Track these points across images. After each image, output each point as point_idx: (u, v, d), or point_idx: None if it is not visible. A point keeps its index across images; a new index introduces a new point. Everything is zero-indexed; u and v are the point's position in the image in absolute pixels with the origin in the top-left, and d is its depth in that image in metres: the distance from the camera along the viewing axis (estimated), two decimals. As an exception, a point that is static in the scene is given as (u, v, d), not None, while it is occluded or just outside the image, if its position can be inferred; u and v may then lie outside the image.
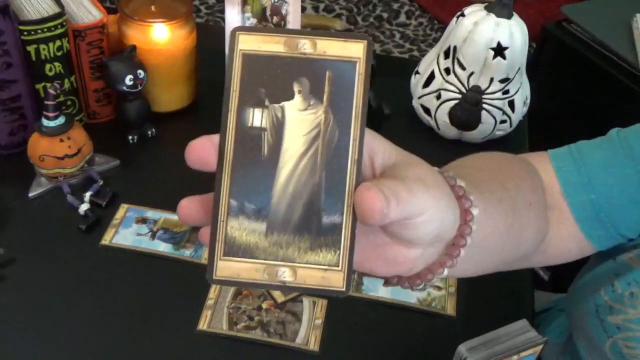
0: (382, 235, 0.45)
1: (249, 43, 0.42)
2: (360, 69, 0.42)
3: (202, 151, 0.43)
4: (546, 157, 0.71)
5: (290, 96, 0.42)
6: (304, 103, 0.42)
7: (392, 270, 0.47)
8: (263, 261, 0.42)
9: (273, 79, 0.42)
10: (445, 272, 0.49)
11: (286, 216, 0.42)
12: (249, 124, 0.42)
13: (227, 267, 0.42)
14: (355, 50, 0.42)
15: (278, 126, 0.42)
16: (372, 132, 0.45)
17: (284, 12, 1.01)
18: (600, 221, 0.68)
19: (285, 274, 0.42)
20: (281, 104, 0.42)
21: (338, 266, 0.42)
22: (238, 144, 0.43)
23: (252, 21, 1.01)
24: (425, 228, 0.44)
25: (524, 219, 0.60)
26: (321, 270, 0.42)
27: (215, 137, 0.43)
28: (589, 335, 0.74)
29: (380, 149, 0.45)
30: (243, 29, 0.43)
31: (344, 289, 0.42)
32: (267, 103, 0.42)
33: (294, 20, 1.02)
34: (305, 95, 0.42)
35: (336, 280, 0.42)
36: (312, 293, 0.55)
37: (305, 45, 0.42)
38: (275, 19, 1.01)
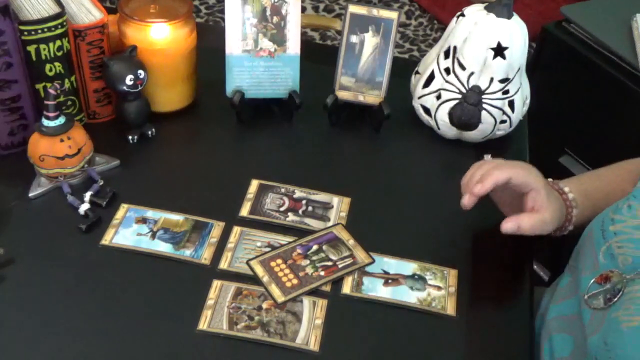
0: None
1: (352, 8, 1.02)
2: (395, 22, 1.03)
3: None
4: None
5: (367, 31, 1.03)
6: (373, 34, 1.04)
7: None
8: (353, 92, 1.07)
9: (361, 24, 1.03)
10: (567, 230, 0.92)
11: (362, 76, 1.06)
12: (351, 41, 1.04)
13: (339, 93, 1.07)
14: (394, 14, 1.04)
15: (362, 42, 1.04)
16: (524, 169, 0.89)
17: (283, 12, 1.01)
18: None
19: (360, 97, 1.07)
20: (364, 34, 1.03)
21: (379, 95, 1.07)
22: (347, 48, 1.04)
23: (253, 21, 1.01)
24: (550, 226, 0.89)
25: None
26: (375, 97, 1.07)
27: None
28: (589, 245, 0.85)
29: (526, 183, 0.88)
30: (351, 2, 1.02)
31: (382, 101, 1.07)
32: (358, 33, 1.04)
33: (293, 20, 1.02)
34: (373, 31, 1.04)
35: (378, 99, 1.07)
36: (372, 104, 1.09)
37: (374, 11, 1.03)
38: (275, 18, 1.01)
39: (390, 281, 0.88)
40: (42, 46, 0.94)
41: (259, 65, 1.05)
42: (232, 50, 1.03)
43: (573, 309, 0.83)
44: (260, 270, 0.86)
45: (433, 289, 0.87)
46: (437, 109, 1.07)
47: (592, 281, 0.80)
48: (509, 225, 0.85)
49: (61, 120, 0.92)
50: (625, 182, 0.92)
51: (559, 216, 0.89)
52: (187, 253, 0.89)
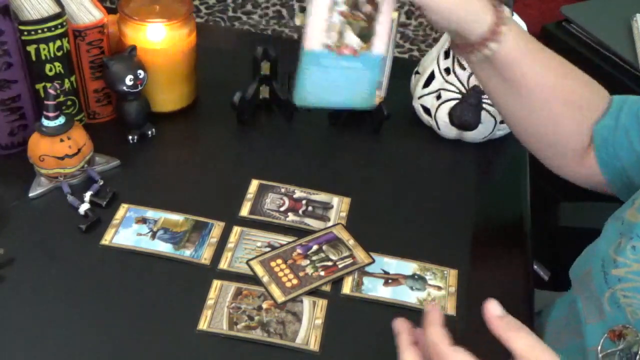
0: None
1: None
2: (395, 22, 0.94)
3: None
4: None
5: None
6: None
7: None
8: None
9: None
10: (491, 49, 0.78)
11: None
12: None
13: None
14: (394, 14, 0.83)
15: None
16: None
17: (378, 1, 0.82)
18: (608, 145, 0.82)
19: None
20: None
21: (379, 95, 1.00)
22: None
23: (343, 8, 0.82)
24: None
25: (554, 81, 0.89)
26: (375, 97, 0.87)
27: None
28: (590, 288, 0.77)
29: None
30: None
31: (382, 101, 1.03)
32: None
33: (386, 11, 0.83)
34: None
35: (377, 99, 0.99)
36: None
37: None
38: (367, 7, 0.82)
39: (390, 281, 0.88)
40: (42, 46, 0.94)
41: (339, 66, 0.83)
42: (312, 44, 0.81)
43: (579, 356, 0.77)
44: (260, 270, 0.86)
45: (433, 289, 0.87)
46: (437, 109, 1.07)
47: (605, 336, 0.73)
48: None
49: (61, 120, 0.92)
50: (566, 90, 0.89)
51: (464, 7, 0.76)
52: (187, 253, 0.89)
